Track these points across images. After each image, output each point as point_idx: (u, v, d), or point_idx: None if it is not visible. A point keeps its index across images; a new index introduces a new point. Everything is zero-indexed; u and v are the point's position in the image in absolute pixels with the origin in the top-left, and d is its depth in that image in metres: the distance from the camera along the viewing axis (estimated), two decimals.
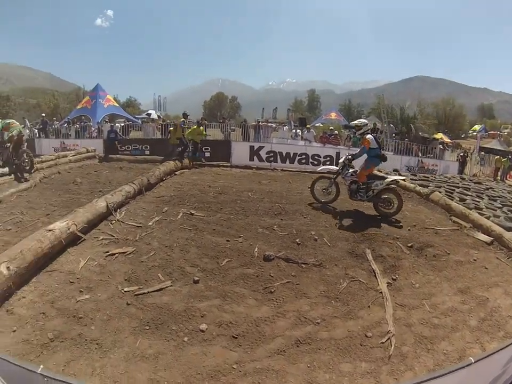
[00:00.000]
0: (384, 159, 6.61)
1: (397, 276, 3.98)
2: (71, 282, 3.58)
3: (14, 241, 4.50)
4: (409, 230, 5.55)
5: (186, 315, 3.11)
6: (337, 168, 6.86)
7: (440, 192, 7.87)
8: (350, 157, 6.73)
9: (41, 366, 1.14)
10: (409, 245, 4.80)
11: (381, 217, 6.25)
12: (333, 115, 30.66)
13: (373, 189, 6.39)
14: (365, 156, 6.54)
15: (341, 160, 6.86)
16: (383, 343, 2.86)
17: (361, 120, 7.21)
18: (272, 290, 3.58)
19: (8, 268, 3.26)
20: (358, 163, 6.79)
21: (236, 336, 2.86)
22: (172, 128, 13.26)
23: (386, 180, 6.42)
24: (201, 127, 12.43)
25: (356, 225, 5.64)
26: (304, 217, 6.01)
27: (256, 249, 4.48)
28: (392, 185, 6.51)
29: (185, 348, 2.71)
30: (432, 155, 14.88)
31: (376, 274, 3.98)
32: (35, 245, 3.74)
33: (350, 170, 6.64)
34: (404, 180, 7.09)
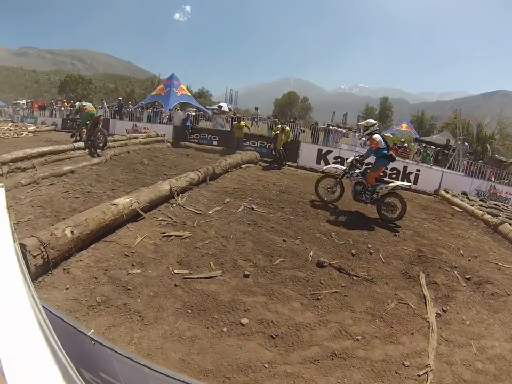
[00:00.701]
0: (392, 159, 6.47)
1: (448, 308, 3.67)
2: (125, 255, 3.85)
3: (80, 209, 4.97)
4: (469, 260, 5.09)
5: (230, 307, 3.17)
6: (344, 167, 6.83)
7: (511, 224, 7.09)
8: (358, 157, 6.68)
9: (92, 330, 1.23)
10: (467, 276, 4.42)
11: (382, 221, 6.33)
12: (404, 126, 29.25)
13: (377, 191, 6.34)
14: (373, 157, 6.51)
15: (348, 160, 6.82)
16: (419, 375, 2.65)
17: (368, 120, 7.07)
18: (319, 297, 3.52)
19: (72, 232, 3.62)
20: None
21: (274, 336, 2.86)
22: (236, 122, 13.57)
23: (390, 184, 6.36)
24: (287, 128, 12.33)
25: (414, 245, 5.34)
26: (363, 228, 5.86)
27: (311, 254, 4.45)
28: (397, 190, 6.44)
29: (222, 338, 2.76)
30: (507, 181, 13.43)
31: (427, 301, 3.72)
32: (99, 216, 4.09)
33: (356, 171, 6.59)
34: (409, 186, 7.43)
